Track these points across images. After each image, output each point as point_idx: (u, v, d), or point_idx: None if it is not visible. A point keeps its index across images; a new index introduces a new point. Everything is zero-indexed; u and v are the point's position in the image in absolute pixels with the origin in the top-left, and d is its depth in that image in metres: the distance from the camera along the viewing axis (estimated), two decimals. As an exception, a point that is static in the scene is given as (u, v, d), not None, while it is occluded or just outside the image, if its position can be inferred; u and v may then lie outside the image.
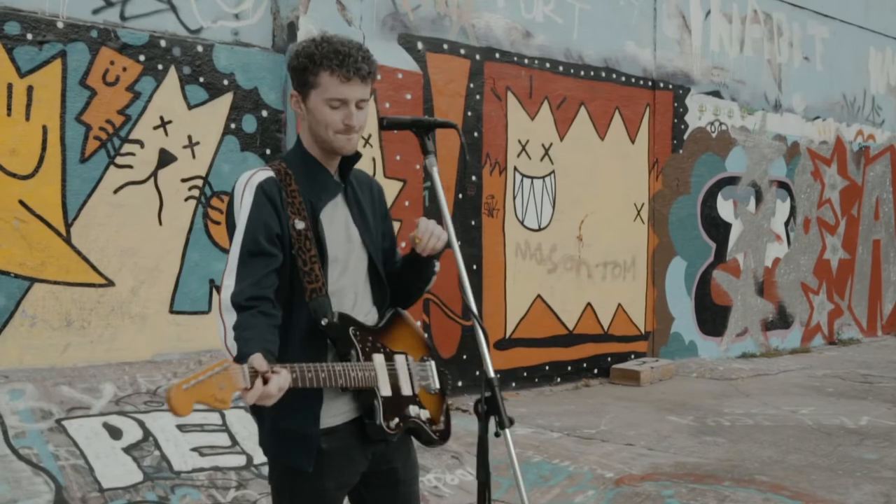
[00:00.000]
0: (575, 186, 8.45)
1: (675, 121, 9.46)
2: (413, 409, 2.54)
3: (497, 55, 7.78)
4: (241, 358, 2.18)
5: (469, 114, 7.60)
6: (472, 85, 7.62)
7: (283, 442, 2.44)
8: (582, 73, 8.51)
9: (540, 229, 8.19)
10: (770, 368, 9.40)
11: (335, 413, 2.45)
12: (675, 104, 9.46)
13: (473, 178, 7.63)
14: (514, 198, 7.98)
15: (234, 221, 2.41)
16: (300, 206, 2.44)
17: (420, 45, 7.21)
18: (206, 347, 5.97)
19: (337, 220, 2.53)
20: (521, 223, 8.03)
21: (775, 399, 7.74)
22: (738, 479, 5.27)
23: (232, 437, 5.31)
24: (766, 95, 10.59)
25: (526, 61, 8.01)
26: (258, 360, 2.12)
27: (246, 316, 2.28)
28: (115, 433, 5.03)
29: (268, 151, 6.27)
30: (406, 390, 2.52)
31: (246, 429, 5.37)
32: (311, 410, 2.41)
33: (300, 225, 2.42)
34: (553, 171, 8.30)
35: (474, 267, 7.63)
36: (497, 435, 2.29)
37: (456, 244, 2.44)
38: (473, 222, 7.66)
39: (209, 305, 6.03)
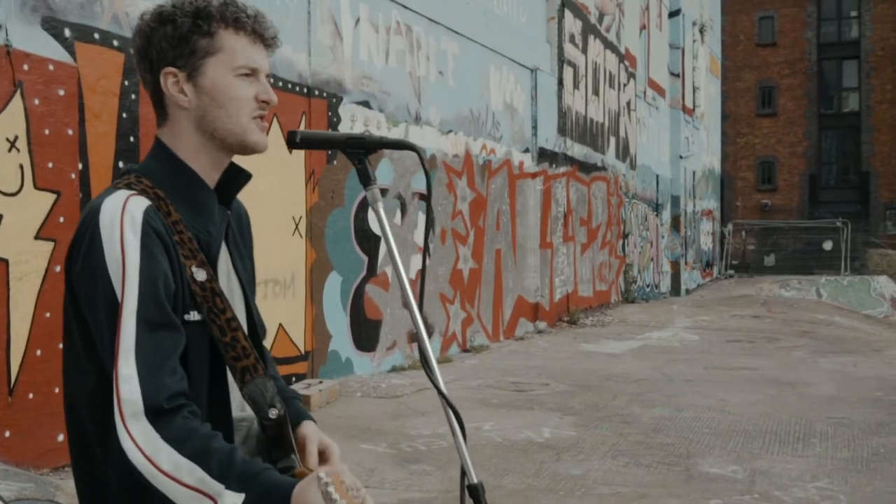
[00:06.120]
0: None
1: (330, 130, 9.08)
2: None
3: (153, 50, 6.84)
4: (247, 481, 1.45)
5: (124, 115, 6.58)
6: (126, 82, 6.61)
7: None
8: (241, 75, 7.81)
9: (201, 246, 7.37)
10: (427, 383, 9.33)
11: None
12: (329, 113, 9.08)
13: (130, 189, 6.62)
14: (174, 212, 7.07)
15: (103, 274, 1.57)
16: (192, 245, 1.66)
17: (68, 33, 6.09)
18: None
19: (222, 267, 1.78)
20: (182, 240, 7.15)
21: (451, 415, 7.63)
22: (474, 513, 4.98)
23: None
24: (408, 108, 10.59)
25: (184, 59, 7.14)
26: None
27: (181, 422, 1.49)
28: None
29: None
30: None
31: None
32: None
33: (201, 275, 1.64)
34: (213, 182, 7.51)
35: (132, 291, 6.62)
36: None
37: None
38: (131, 240, 6.65)
39: None
